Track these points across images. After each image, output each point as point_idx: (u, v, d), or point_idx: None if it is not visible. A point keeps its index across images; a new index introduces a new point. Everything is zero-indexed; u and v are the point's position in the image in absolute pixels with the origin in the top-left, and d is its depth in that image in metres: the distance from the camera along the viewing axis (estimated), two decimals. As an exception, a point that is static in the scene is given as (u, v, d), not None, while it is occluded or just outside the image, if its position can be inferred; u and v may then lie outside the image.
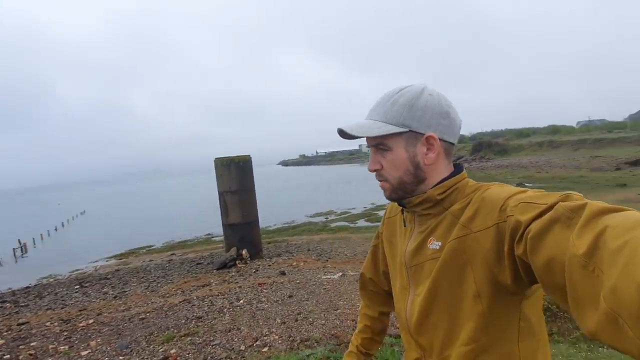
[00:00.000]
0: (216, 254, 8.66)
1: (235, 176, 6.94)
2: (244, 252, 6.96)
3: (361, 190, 22.09)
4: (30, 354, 3.47)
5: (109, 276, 7.70)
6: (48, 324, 4.63)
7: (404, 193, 0.69)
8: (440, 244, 0.66)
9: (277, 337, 3.15)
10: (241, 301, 4.43)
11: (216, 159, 7.16)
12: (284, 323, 3.47)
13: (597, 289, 0.36)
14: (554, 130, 45.08)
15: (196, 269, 7.29)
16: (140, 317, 4.28)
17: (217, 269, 6.78)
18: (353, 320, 3.33)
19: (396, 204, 0.79)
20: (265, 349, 2.91)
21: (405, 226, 0.76)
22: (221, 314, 3.98)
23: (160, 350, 3.17)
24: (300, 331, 3.22)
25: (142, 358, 3.05)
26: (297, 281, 5.14)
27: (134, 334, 3.68)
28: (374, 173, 0.72)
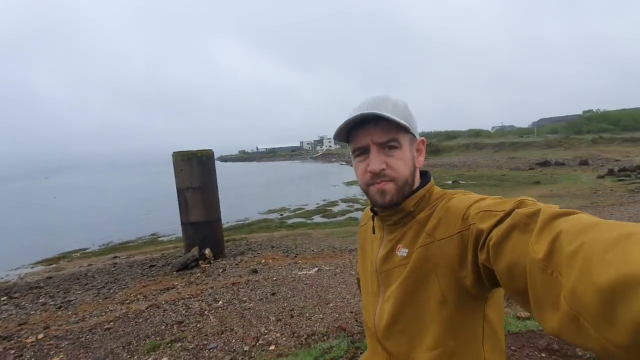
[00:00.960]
0: (170, 255, 8.07)
1: (197, 171, 6.53)
2: (207, 251, 6.60)
3: (309, 187, 22.28)
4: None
5: (41, 284, 6.70)
6: None
7: (404, 196, 0.70)
8: (407, 251, 0.69)
9: (278, 334, 3.08)
10: (220, 302, 4.21)
11: (175, 152, 6.67)
12: (280, 320, 3.40)
13: (556, 290, 0.38)
14: (476, 133, 50.35)
15: (150, 271, 6.71)
16: (104, 327, 3.84)
17: (178, 271, 6.32)
18: (351, 312, 3.39)
19: (368, 210, 0.82)
20: (272, 347, 2.83)
21: (374, 233, 0.78)
22: (204, 317, 3.75)
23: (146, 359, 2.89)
24: (301, 327, 3.19)
25: (130, 370, 2.75)
26: (274, 278, 5.04)
27: (106, 346, 3.30)
28: (376, 174, 0.68)
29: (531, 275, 0.42)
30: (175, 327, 3.54)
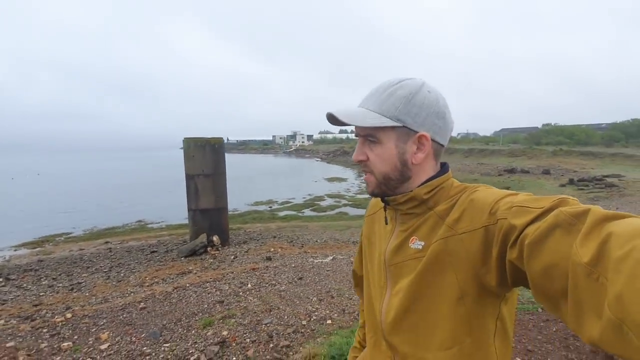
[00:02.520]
0: (168, 242, 8.00)
1: (210, 159, 6.57)
2: (215, 238, 6.67)
3: (291, 181, 22.41)
4: (28, 355, 2.92)
5: (34, 267, 6.44)
6: (2, 322, 3.82)
7: (387, 189, 0.69)
8: (423, 243, 0.66)
9: (328, 311, 3.33)
10: (249, 285, 4.37)
11: (187, 138, 6.66)
12: (322, 300, 3.64)
13: (601, 297, 0.36)
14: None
15: (154, 257, 6.66)
16: (138, 307, 3.89)
17: (186, 257, 6.35)
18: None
19: (379, 200, 0.78)
20: (329, 321, 3.08)
21: (386, 224, 0.75)
22: (241, 297, 3.90)
23: (208, 333, 3.03)
24: (346, 305, 3.45)
25: (195, 343, 2.89)
26: (292, 265, 5.25)
27: (153, 323, 3.38)
28: (359, 164, 0.71)
29: (573, 279, 0.40)
30: (218, 306, 3.67)
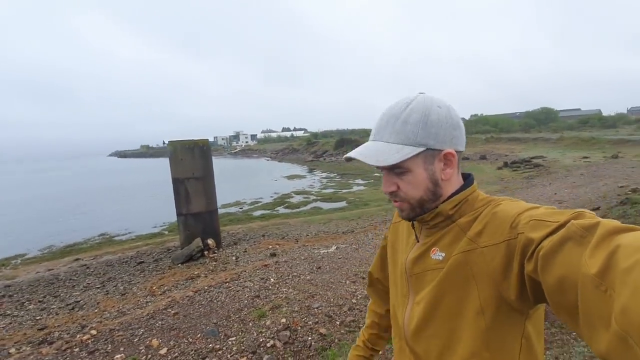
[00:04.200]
0: (149, 252, 7.63)
1: (200, 161, 6.47)
2: (211, 241, 6.59)
3: (249, 182, 22.10)
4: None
5: (6, 293, 5.77)
6: (14, 350, 3.55)
7: (422, 211, 0.69)
8: (444, 254, 0.67)
9: (365, 292, 3.65)
10: (272, 279, 4.52)
11: (173, 141, 6.46)
12: (355, 282, 3.96)
13: (609, 309, 0.36)
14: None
15: (144, 267, 6.36)
16: (169, 313, 3.85)
17: (183, 263, 6.20)
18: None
19: None
20: (376, 298, 3.40)
21: (418, 240, 0.75)
22: (276, 290, 4.05)
23: (267, 323, 3.19)
24: (381, 283, 3.81)
25: (260, 332, 3.04)
26: (302, 257, 5.47)
27: (201, 323, 3.42)
28: (388, 195, 0.70)
29: (583, 291, 0.40)
30: (257, 300, 3.80)
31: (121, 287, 5.28)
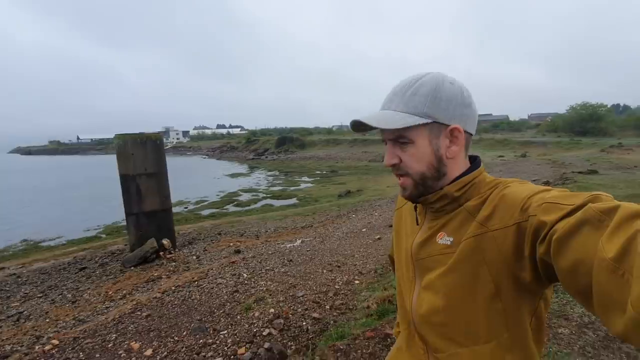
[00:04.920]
0: (88, 257, 6.92)
1: (153, 156, 6.07)
2: (166, 242, 6.23)
3: (188, 181, 20.93)
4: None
5: None
6: None
7: (425, 190, 0.68)
8: (452, 239, 0.66)
9: (347, 277, 3.86)
10: (245, 275, 4.49)
11: (121, 135, 5.96)
12: (332, 271, 4.14)
13: (625, 293, 0.36)
14: (329, 131, 57.28)
15: (90, 273, 5.77)
16: (140, 316, 3.64)
17: (136, 265, 5.78)
18: (382, 255, 4.45)
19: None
20: (357, 282, 3.62)
21: (417, 223, 0.75)
22: (253, 284, 4.05)
23: (256, 314, 3.21)
24: (359, 270, 4.04)
25: (251, 324, 3.06)
26: (270, 252, 5.50)
27: (182, 321, 3.31)
28: (391, 168, 0.69)
29: (597, 275, 0.40)
30: (237, 295, 3.77)
31: (69, 295, 4.75)
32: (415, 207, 0.75)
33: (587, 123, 29.99)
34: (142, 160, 5.95)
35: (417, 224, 0.74)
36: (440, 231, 0.68)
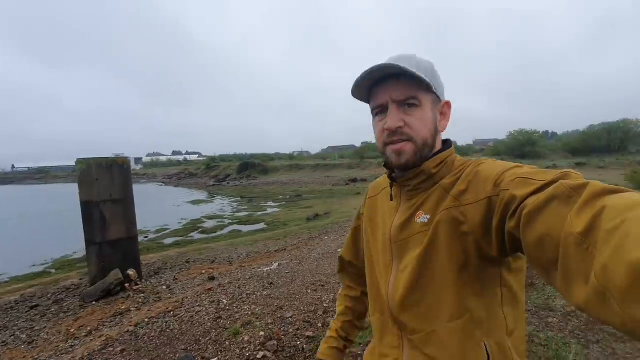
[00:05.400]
0: (42, 293, 6.25)
1: (119, 181, 5.80)
2: (132, 272, 5.84)
3: (145, 210, 19.76)
4: None
5: None
6: None
7: (422, 157, 0.69)
8: (428, 217, 0.67)
9: (333, 295, 3.87)
10: (225, 301, 4.35)
11: (84, 159, 5.64)
12: (316, 290, 4.14)
13: (589, 265, 0.38)
14: (290, 157, 57.70)
15: (44, 311, 5.21)
16: (113, 352, 3.38)
17: (98, 300, 5.33)
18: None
19: (381, 182, 0.85)
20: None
21: (391, 200, 0.76)
22: (237, 309, 3.93)
23: (246, 339, 3.12)
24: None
25: (243, 348, 2.97)
26: (247, 277, 5.37)
27: (165, 353, 3.12)
28: (392, 132, 0.68)
29: (565, 248, 0.41)
30: (220, 321, 3.64)
31: (23, 336, 4.23)
32: (392, 185, 0.76)
33: (524, 147, 33.27)
34: (107, 185, 5.64)
35: (391, 200, 0.77)
36: (418, 210, 0.69)
